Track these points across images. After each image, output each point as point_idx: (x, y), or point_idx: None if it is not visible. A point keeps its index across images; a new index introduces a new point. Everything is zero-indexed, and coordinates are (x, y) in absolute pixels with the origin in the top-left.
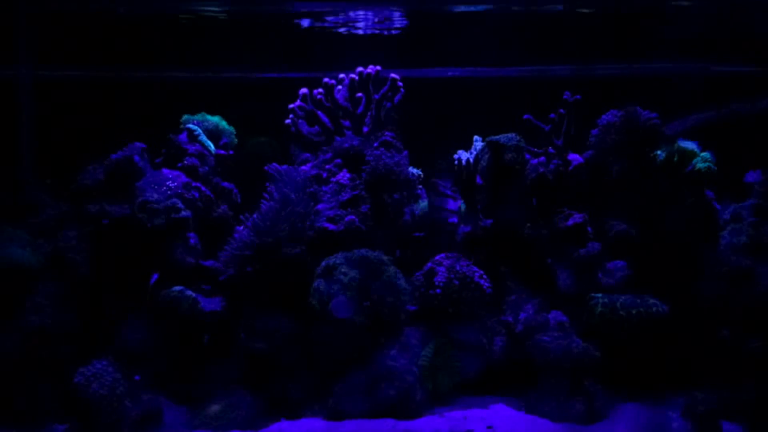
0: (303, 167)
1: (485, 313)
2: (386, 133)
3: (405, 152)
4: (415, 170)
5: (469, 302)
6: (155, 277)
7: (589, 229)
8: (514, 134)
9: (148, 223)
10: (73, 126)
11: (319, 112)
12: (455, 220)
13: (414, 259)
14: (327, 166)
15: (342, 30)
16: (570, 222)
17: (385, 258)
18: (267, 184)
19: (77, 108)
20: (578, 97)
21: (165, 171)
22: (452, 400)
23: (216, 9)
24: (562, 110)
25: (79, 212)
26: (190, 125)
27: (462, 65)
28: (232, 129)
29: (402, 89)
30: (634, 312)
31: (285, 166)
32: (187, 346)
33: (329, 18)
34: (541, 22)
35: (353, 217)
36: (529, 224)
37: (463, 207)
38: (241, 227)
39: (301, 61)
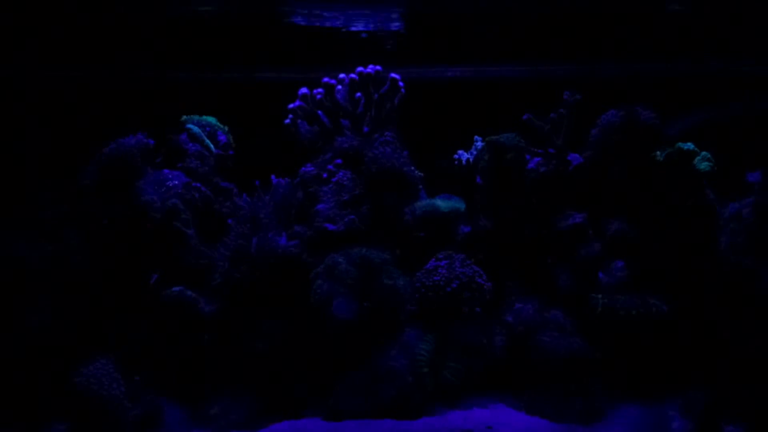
0: (304, 168)
1: (485, 313)
2: (386, 133)
3: (405, 152)
4: (414, 170)
5: (469, 302)
6: (155, 277)
7: (588, 229)
8: (514, 134)
9: (148, 223)
10: (74, 125)
11: (319, 112)
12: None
13: (414, 259)
14: (327, 167)
15: (341, 29)
16: (570, 222)
17: (385, 258)
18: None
19: (78, 107)
20: (578, 96)
21: (165, 171)
22: (452, 400)
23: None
24: (562, 110)
25: (80, 212)
26: (190, 125)
27: (462, 65)
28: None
29: (402, 89)
30: (634, 312)
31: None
32: (187, 346)
33: (328, 15)
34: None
35: (353, 217)
36: (529, 224)
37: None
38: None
39: (301, 60)
